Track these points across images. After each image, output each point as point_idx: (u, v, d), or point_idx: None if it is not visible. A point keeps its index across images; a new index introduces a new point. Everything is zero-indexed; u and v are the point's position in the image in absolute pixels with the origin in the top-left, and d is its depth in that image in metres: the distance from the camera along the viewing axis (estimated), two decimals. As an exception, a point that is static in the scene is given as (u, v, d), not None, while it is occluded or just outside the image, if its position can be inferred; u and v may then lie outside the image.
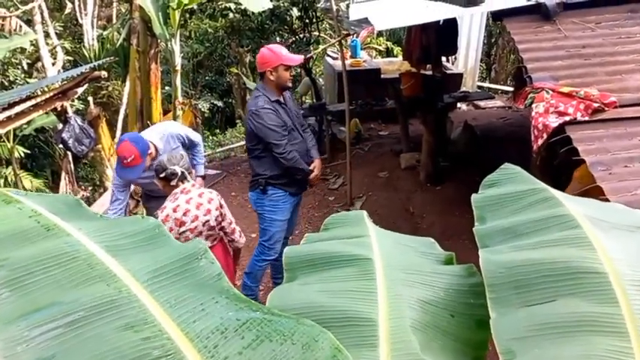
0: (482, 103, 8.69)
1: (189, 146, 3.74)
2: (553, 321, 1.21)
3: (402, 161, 6.44)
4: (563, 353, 1.12)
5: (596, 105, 2.72)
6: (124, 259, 1.13)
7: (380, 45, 10.40)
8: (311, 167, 3.66)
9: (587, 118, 2.72)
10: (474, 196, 1.74)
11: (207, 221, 2.90)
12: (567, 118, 2.70)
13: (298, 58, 3.67)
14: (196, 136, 3.84)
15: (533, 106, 2.84)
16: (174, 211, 2.85)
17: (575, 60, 3.18)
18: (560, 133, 2.75)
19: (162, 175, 2.93)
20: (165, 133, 3.54)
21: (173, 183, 2.94)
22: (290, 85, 3.58)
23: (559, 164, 3.24)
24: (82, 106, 7.85)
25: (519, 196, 1.67)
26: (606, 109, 2.76)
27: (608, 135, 2.65)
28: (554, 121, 2.69)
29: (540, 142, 2.76)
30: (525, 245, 1.43)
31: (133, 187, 3.80)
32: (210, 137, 9.05)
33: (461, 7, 3.68)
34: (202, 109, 8.53)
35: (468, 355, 1.33)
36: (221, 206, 3.01)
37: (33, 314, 0.95)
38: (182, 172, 2.93)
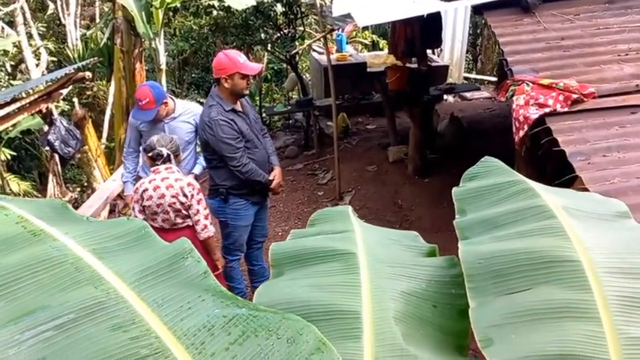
0: (468, 95, 8.74)
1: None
2: (529, 308, 1.25)
3: (389, 155, 6.49)
4: (539, 338, 1.17)
5: (575, 96, 2.77)
6: (112, 261, 1.15)
7: (366, 38, 10.42)
8: (271, 176, 3.51)
9: (566, 109, 2.77)
10: (454, 190, 1.79)
11: (161, 204, 3.08)
12: (547, 110, 2.75)
13: (256, 67, 3.48)
14: None
15: (514, 98, 2.89)
16: (140, 186, 3.13)
17: (555, 52, 3.23)
18: (542, 124, 2.80)
19: (149, 155, 3.15)
20: (188, 108, 3.71)
21: (158, 163, 3.13)
22: (247, 92, 3.44)
23: (543, 154, 3.29)
24: (68, 107, 7.79)
25: (498, 188, 1.71)
26: (585, 99, 2.81)
27: (587, 125, 2.70)
28: (534, 113, 2.74)
29: (521, 133, 2.80)
30: (503, 236, 1.47)
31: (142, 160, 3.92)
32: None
33: (442, 2, 3.71)
34: (189, 108, 8.50)
35: (451, 343, 1.36)
36: (185, 196, 3.08)
37: (23, 318, 0.98)
38: (167, 155, 3.13)
